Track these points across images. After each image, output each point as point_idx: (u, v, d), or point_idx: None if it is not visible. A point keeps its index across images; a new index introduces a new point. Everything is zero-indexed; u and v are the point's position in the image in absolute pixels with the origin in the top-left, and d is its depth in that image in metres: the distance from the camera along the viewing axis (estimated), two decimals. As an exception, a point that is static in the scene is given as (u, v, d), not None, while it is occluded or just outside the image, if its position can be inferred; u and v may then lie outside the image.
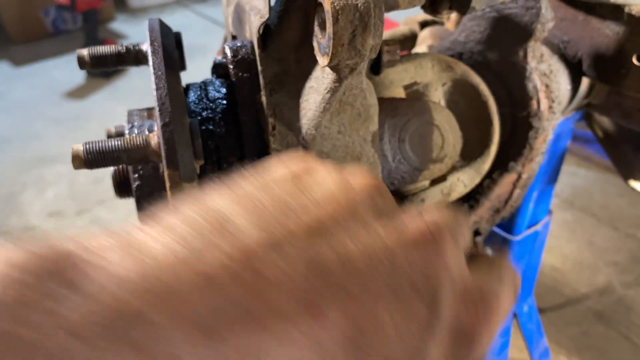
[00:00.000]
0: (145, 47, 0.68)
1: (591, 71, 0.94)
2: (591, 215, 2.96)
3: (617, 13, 0.87)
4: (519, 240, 1.16)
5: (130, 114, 0.69)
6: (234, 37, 0.85)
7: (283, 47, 0.64)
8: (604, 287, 2.53)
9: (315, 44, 0.59)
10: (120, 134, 0.82)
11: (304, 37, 0.64)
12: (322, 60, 0.57)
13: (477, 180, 0.82)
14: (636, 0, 0.84)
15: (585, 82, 0.99)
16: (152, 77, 0.58)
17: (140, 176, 0.65)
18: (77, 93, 4.64)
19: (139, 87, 4.67)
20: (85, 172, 3.42)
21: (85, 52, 0.68)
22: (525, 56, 0.81)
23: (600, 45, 0.92)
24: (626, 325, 2.33)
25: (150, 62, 0.58)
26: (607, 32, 0.90)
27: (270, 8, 0.60)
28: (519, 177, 0.89)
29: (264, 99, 0.64)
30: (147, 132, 0.66)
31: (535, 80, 0.82)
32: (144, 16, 6.46)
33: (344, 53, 0.54)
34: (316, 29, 0.58)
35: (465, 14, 0.67)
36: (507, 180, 0.89)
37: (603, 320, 2.36)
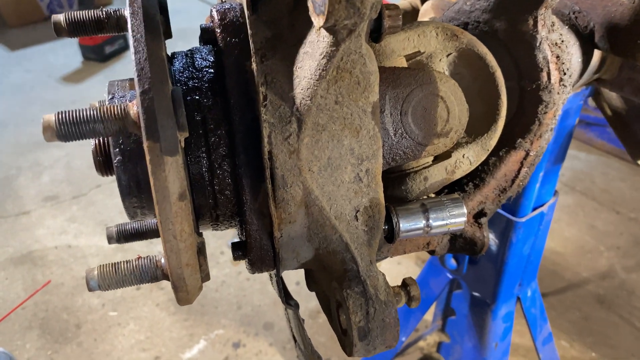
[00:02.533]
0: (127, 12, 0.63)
1: (604, 43, 0.89)
2: (592, 199, 2.92)
3: (633, -20, 0.82)
4: (523, 222, 1.11)
5: (111, 84, 0.64)
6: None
7: (275, 9, 0.59)
8: (606, 271, 2.50)
9: (310, 3, 0.54)
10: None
11: (296, 1, 0.59)
12: (318, 21, 0.52)
13: (483, 157, 0.77)
14: (654, -35, 0.78)
15: (596, 55, 0.94)
16: (130, 41, 0.53)
17: (121, 151, 0.60)
18: (74, 77, 4.57)
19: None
20: (81, 156, 3.37)
21: (61, 17, 0.63)
22: (535, 25, 0.76)
23: (615, 15, 0.87)
24: (628, 309, 2.30)
25: (129, 25, 0.53)
26: (623, 0, 0.85)
27: (261, -35, 0.55)
28: (527, 154, 0.84)
29: (254, 65, 0.59)
30: (126, 102, 0.62)
31: (546, 51, 0.77)
32: (141, -1, 6.37)
33: (341, 11, 0.49)
34: (311, -13, 0.53)
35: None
36: (514, 158, 0.84)
37: (604, 304, 2.33)
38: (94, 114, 0.52)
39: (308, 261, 0.67)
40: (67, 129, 0.51)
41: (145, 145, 0.51)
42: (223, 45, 0.60)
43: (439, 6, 1.03)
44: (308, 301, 2.29)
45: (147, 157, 0.51)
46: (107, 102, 0.62)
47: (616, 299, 2.34)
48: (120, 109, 0.52)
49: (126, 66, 4.72)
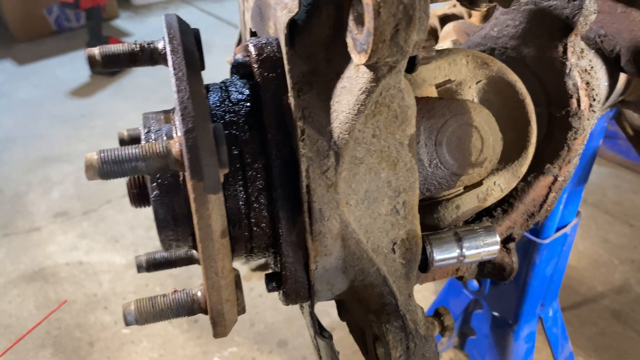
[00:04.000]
0: (162, 45, 0.63)
1: (630, 66, 0.88)
2: (605, 212, 2.91)
3: (660, 3, 0.82)
4: (547, 243, 1.11)
5: (146, 117, 0.64)
6: (253, 34, 0.80)
7: (312, 44, 0.59)
8: (621, 285, 2.48)
9: (349, 41, 0.54)
10: (134, 138, 0.78)
11: (334, 33, 0.59)
12: (359, 58, 0.52)
13: (514, 184, 0.77)
14: (682, -10, 0.78)
15: (622, 78, 0.94)
16: (173, 79, 0.53)
17: (158, 185, 0.60)
18: (82, 91, 4.59)
19: (145, 84, 4.62)
20: (90, 172, 3.38)
21: (96, 51, 0.63)
22: (564, 52, 0.76)
23: (641, 39, 0.87)
24: (645, 324, 2.28)
25: (170, 62, 0.54)
26: (650, 24, 0.85)
27: (300, 2, 0.55)
28: (555, 179, 0.84)
29: (291, 100, 0.59)
30: (165, 138, 0.62)
31: (576, 78, 0.76)
32: (148, 13, 6.41)
33: (384, 50, 0.49)
34: (351, 24, 0.53)
35: (509, 6, 0.62)
36: (543, 183, 0.84)
37: (620, 319, 2.31)
38: (136, 152, 0.52)
39: (342, 292, 0.67)
40: (110, 167, 0.51)
41: (189, 184, 0.50)
42: (260, 79, 0.60)
43: (462, 29, 1.03)
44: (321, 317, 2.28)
45: (191, 196, 0.51)
46: (143, 136, 0.62)
47: (632, 314, 2.32)
48: (162, 147, 0.52)
49: (134, 80, 4.74)
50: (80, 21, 5.90)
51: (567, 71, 0.76)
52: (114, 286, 2.57)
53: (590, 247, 2.69)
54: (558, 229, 1.10)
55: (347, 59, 0.57)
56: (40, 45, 5.62)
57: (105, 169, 0.51)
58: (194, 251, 0.77)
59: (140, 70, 4.90)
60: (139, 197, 0.66)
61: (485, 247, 0.72)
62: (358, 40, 0.52)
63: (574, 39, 0.76)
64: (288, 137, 0.60)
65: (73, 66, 5.04)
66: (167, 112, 0.66)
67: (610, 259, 2.59)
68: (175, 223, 0.62)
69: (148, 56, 0.64)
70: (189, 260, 0.80)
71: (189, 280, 2.59)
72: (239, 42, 1.09)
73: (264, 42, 0.61)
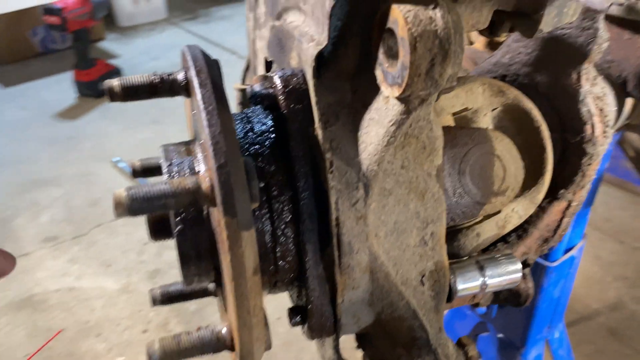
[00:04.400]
0: (181, 76, 0.63)
1: (637, 91, 0.90)
2: (595, 229, 2.93)
3: (668, 31, 0.83)
4: (555, 266, 1.11)
5: (166, 149, 0.63)
6: (268, 63, 0.80)
7: (338, 76, 0.59)
8: (615, 302, 2.49)
9: (379, 73, 0.54)
10: (147, 169, 0.77)
11: (360, 65, 0.59)
12: (391, 91, 0.52)
13: (531, 211, 0.77)
14: (689, 18, 0.80)
15: (628, 102, 0.95)
16: (203, 113, 0.52)
17: (182, 219, 0.59)
18: (69, 113, 4.55)
19: (133, 106, 4.59)
20: (80, 195, 3.33)
21: (115, 82, 0.62)
22: (578, 79, 0.77)
23: (649, 65, 0.88)
24: (641, 342, 2.29)
25: (199, 96, 0.53)
26: (657, 51, 0.86)
27: (329, 36, 0.55)
28: (569, 205, 0.84)
29: (319, 132, 0.58)
30: (188, 172, 0.61)
31: (590, 104, 0.77)
32: (134, 35, 6.41)
33: (419, 84, 0.49)
34: (381, 56, 0.53)
35: (532, 37, 0.63)
36: (557, 208, 0.84)
37: (617, 337, 2.31)
38: (166, 189, 0.51)
39: (368, 326, 0.66)
40: (139, 205, 0.50)
41: (222, 221, 0.49)
42: (287, 111, 0.59)
43: (468, 55, 1.04)
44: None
45: (224, 233, 0.50)
46: (165, 169, 0.61)
47: (628, 331, 2.33)
48: (192, 182, 0.51)
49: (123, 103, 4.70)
50: (66, 43, 5.87)
51: (581, 98, 0.77)
52: (107, 312, 2.52)
53: (583, 264, 2.70)
54: (565, 252, 1.10)
55: (373, 90, 0.57)
56: (25, 67, 5.57)
57: (135, 206, 0.50)
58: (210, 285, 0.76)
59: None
60: (159, 230, 0.65)
61: (507, 275, 0.72)
62: (390, 73, 0.52)
63: (588, 66, 0.76)
64: (315, 169, 0.59)
65: (59, 88, 5.00)
66: (187, 144, 0.65)
67: (603, 276, 2.61)
68: (198, 258, 0.61)
69: (168, 87, 0.63)
70: (204, 293, 0.78)
71: (183, 305, 2.55)
72: (247, 69, 1.09)
73: (289, 73, 0.61)
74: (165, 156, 0.62)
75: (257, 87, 0.69)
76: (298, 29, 0.62)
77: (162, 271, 2.75)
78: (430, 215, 0.61)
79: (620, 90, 0.92)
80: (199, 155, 0.61)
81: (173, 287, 0.77)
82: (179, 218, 0.59)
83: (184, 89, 0.64)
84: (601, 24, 0.74)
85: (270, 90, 0.62)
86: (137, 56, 5.71)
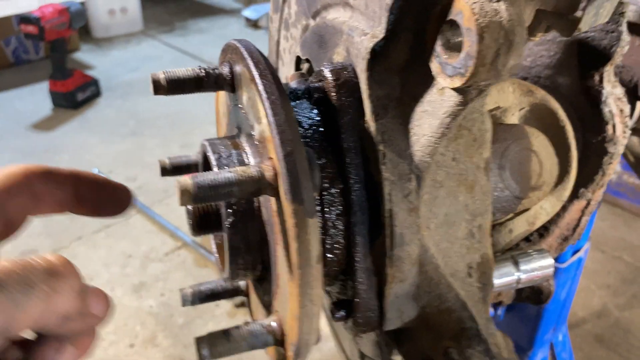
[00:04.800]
0: (227, 70, 0.63)
1: (647, 95, 0.93)
2: (576, 239, 3.00)
3: (678, 37, 0.87)
4: (564, 267, 1.13)
5: (212, 143, 0.63)
6: (299, 61, 0.81)
7: (388, 69, 0.60)
8: (600, 310, 2.55)
9: (435, 66, 0.55)
10: (177, 167, 0.76)
11: (409, 59, 0.60)
12: (451, 82, 0.53)
13: (558, 208, 0.79)
14: (699, 24, 0.84)
15: (638, 106, 0.99)
16: (266, 103, 0.52)
17: (234, 212, 0.58)
18: (45, 125, 4.45)
19: (111, 117, 4.53)
20: (59, 207, 3.24)
21: (161, 75, 0.61)
22: (601, 80, 0.79)
23: (660, 70, 0.92)
24: (626, 347, 2.34)
25: (261, 87, 0.53)
26: (668, 56, 0.90)
27: (387, 29, 0.56)
28: (588, 203, 0.86)
29: (371, 124, 0.59)
30: (237, 164, 0.60)
31: (611, 105, 0.80)
32: (109, 47, 6.33)
33: (483, 74, 0.50)
34: (439, 49, 0.54)
35: (570, 36, 0.65)
36: (577, 207, 0.86)
37: (604, 344, 2.36)
38: (231, 176, 0.50)
39: (411, 320, 0.66)
40: (205, 192, 0.49)
41: (289, 208, 0.49)
42: (338, 104, 0.60)
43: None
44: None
45: (292, 221, 0.49)
46: (214, 162, 0.60)
47: (614, 337, 2.38)
48: (257, 171, 0.51)
49: (99, 113, 4.63)
50: (39, 53, 5.77)
51: (604, 99, 0.80)
52: (90, 326, 2.44)
53: (566, 273, 2.76)
54: (573, 253, 1.13)
55: (423, 83, 0.58)
56: (-3, 77, 5.44)
57: (201, 194, 0.49)
58: (243, 282, 0.75)
59: (106, 102, 4.80)
60: (202, 224, 0.64)
61: (540, 270, 0.73)
62: (450, 64, 0.53)
63: (610, 68, 0.79)
64: (366, 161, 0.60)
65: (33, 99, 4.89)
66: (232, 139, 0.65)
67: (587, 284, 2.67)
68: (247, 251, 0.60)
69: (213, 81, 0.63)
70: (235, 292, 0.77)
71: (170, 318, 2.49)
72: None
73: (339, 67, 0.61)
74: (213, 149, 0.62)
75: (295, 84, 0.69)
76: (346, 24, 0.62)
77: (148, 284, 2.69)
78: (479, 208, 0.61)
79: (631, 94, 0.95)
80: (248, 149, 0.61)
81: (204, 287, 0.76)
82: (230, 210, 0.58)
83: (229, 83, 0.63)
84: (624, 27, 0.77)
85: (319, 84, 0.63)
86: (113, 68, 5.63)
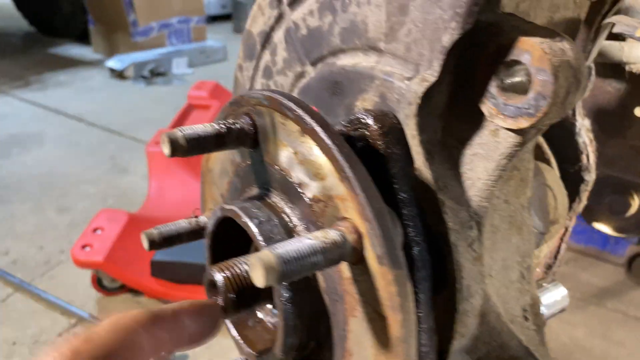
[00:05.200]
0: (247, 126, 0.56)
1: (595, 125, 1.01)
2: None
3: (618, 72, 0.96)
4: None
5: (243, 207, 0.55)
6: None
7: (429, 113, 0.57)
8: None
9: (489, 107, 0.54)
10: (167, 238, 0.66)
11: (450, 101, 0.58)
12: (515, 123, 0.51)
13: (555, 238, 0.81)
14: (637, 60, 0.93)
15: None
16: (339, 157, 0.46)
17: (291, 284, 0.50)
18: None
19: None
20: None
21: (179, 134, 0.53)
22: (574, 114, 0.84)
23: (603, 102, 1.00)
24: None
25: (328, 140, 0.47)
26: (609, 89, 0.99)
27: (441, 72, 0.53)
28: (566, 230, 0.90)
29: (424, 171, 0.55)
30: (282, 230, 0.53)
31: (584, 136, 0.85)
32: (-46, 105, 5.63)
33: (554, 112, 0.49)
34: (494, 90, 0.53)
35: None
36: (557, 235, 0.90)
37: None
38: (315, 244, 0.43)
39: (462, 375, 0.62)
40: (292, 267, 0.42)
41: (390, 275, 0.44)
42: (387, 153, 0.55)
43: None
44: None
45: (394, 289, 0.44)
46: (255, 229, 0.52)
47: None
48: (338, 235, 0.45)
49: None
50: None
51: (577, 130, 0.84)
52: None
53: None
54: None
55: (468, 126, 0.56)
56: None
57: (289, 269, 0.42)
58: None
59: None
60: (240, 302, 0.55)
61: (560, 304, 0.74)
62: (512, 105, 0.52)
63: (580, 102, 0.85)
64: (421, 212, 0.56)
65: None
66: (260, 199, 0.57)
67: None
68: (302, 328, 0.53)
69: (235, 137, 0.56)
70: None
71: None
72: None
73: (380, 113, 0.57)
74: (249, 215, 0.54)
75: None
76: (377, 69, 0.59)
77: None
78: (527, 249, 0.60)
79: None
80: (289, 210, 0.54)
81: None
82: (287, 284, 0.51)
83: (252, 138, 0.57)
84: (592, 65, 0.82)
85: (361, 132, 0.58)
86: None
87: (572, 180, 0.87)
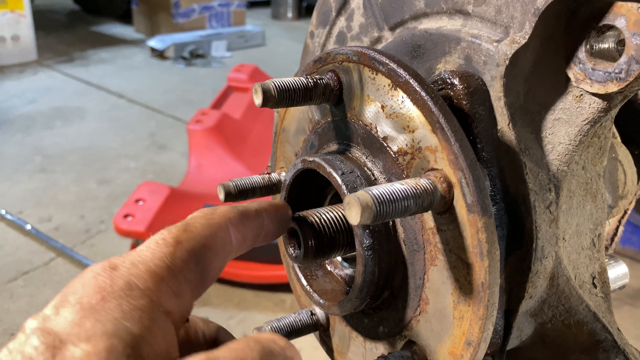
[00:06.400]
0: (333, 82, 0.58)
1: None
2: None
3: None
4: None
5: (326, 159, 0.57)
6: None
7: (514, 77, 0.58)
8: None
9: (575, 72, 0.54)
10: (242, 191, 0.69)
11: (535, 66, 0.58)
12: (603, 88, 0.52)
13: (616, 218, 0.81)
14: None
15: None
16: (434, 109, 0.48)
17: (372, 232, 0.52)
18: None
19: (11, 153, 4.11)
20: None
21: (271, 84, 0.55)
22: (642, 95, 0.84)
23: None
24: None
25: (431, 104, 0.48)
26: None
27: (533, 35, 0.54)
28: (625, 213, 0.90)
29: (508, 133, 0.56)
30: (364, 181, 0.55)
31: (652, 118, 0.84)
32: (2, 77, 5.81)
33: (645, 77, 0.50)
34: (583, 55, 0.53)
35: None
36: (616, 217, 0.89)
37: None
38: (407, 189, 0.45)
39: (527, 338, 0.63)
40: (386, 208, 0.44)
41: (479, 222, 0.45)
42: (472, 113, 0.57)
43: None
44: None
45: (483, 236, 0.45)
46: (339, 179, 0.54)
47: None
48: (429, 184, 0.46)
49: (-3, 149, 4.19)
50: None
51: (646, 112, 0.84)
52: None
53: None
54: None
55: (551, 91, 0.57)
56: None
57: (383, 210, 0.43)
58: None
59: (4, 137, 4.36)
60: (318, 249, 0.57)
61: (621, 279, 0.74)
62: (601, 70, 0.52)
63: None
64: (502, 172, 0.57)
65: None
66: (341, 153, 0.59)
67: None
68: (380, 276, 0.54)
69: (321, 92, 0.58)
70: (314, 327, 0.70)
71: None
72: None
73: (466, 74, 0.58)
74: (333, 166, 0.55)
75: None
76: (464, 32, 0.60)
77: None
78: (600, 217, 0.61)
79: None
80: (370, 163, 0.56)
81: (282, 322, 0.68)
82: (367, 231, 0.53)
83: (336, 94, 0.59)
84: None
85: (442, 92, 0.59)
86: (8, 99, 5.16)
87: (636, 162, 0.87)
